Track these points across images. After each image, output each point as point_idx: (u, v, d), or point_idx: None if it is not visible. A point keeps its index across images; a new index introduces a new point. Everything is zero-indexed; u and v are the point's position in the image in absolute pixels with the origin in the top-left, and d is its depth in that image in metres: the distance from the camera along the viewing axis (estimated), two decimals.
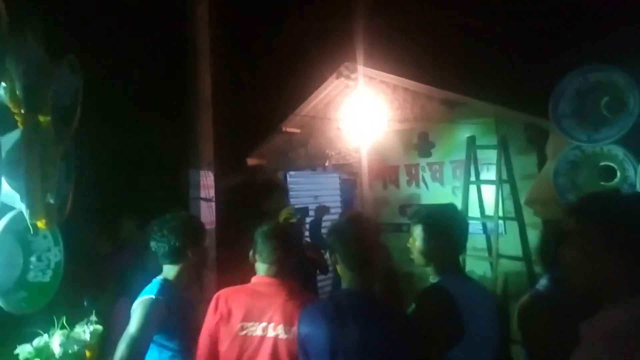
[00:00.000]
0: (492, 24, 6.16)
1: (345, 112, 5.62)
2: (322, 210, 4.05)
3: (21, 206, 2.01)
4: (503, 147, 4.20)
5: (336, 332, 1.60)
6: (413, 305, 1.83)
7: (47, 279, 2.28)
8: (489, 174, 4.69)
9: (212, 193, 4.00)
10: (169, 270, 2.10)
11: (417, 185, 5.65)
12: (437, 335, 1.68)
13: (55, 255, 2.34)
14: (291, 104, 5.68)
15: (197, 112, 3.90)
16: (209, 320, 1.96)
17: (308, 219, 4.05)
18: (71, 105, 2.57)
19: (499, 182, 4.12)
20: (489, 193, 4.31)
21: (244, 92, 5.19)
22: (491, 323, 1.82)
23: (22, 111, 2.04)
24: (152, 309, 1.84)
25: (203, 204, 3.88)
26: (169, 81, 4.03)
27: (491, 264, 4.17)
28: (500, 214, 4.26)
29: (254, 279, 2.03)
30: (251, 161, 5.70)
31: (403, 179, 5.76)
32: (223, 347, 1.90)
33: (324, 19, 5.63)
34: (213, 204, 3.97)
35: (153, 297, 1.89)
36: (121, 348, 1.68)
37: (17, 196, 1.98)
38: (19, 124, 2.04)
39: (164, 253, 2.07)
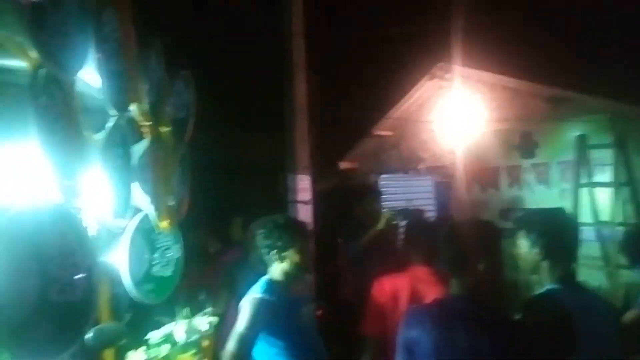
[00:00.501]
0: (603, 8, 5.60)
1: (439, 114, 5.48)
2: (416, 214, 4.00)
3: (149, 208, 2.27)
4: (620, 146, 3.82)
5: (444, 337, 1.59)
6: (520, 315, 1.76)
7: (168, 273, 2.54)
8: (603, 175, 4.29)
9: (308, 196, 4.16)
10: (275, 270, 2.21)
11: (520, 187, 5.35)
12: (546, 346, 1.59)
13: (176, 252, 2.60)
14: (383, 107, 5.69)
15: (293, 118, 4.09)
16: None
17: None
18: (185, 117, 2.85)
19: (617, 185, 3.76)
20: (604, 196, 3.95)
21: (337, 97, 5.30)
22: (609, 338, 1.69)
23: (148, 124, 2.30)
24: (258, 307, 1.95)
25: (300, 206, 4.04)
26: (268, 90, 4.27)
27: (608, 273, 3.81)
28: (620, 219, 3.88)
29: None
30: (344, 165, 5.79)
31: (504, 181, 5.49)
32: None
33: (417, 20, 5.56)
34: (310, 206, 4.12)
35: (259, 296, 2.02)
36: (230, 344, 1.83)
37: (146, 199, 2.24)
38: (145, 135, 2.31)
39: (270, 253, 2.20)
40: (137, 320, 2.16)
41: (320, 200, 4.33)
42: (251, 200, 3.91)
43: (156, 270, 2.51)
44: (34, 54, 1.33)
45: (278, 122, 3.98)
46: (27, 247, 1.44)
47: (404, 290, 2.41)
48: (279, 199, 4.11)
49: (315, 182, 4.27)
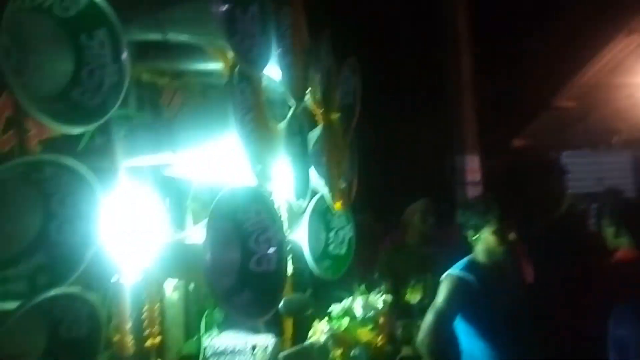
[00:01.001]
0: None
1: (638, 76, 4.59)
2: (613, 194, 3.48)
3: (324, 190, 2.43)
4: None
5: None
6: None
7: (343, 251, 2.70)
8: None
9: (478, 177, 3.95)
10: (476, 250, 2.18)
11: None
12: None
13: (348, 232, 2.74)
14: (564, 74, 4.99)
15: (459, 95, 3.91)
16: None
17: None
18: (352, 103, 2.95)
19: None
20: None
21: (506, 69, 4.85)
22: None
23: (321, 111, 2.46)
24: (455, 285, 1.98)
25: (470, 188, 3.87)
26: (430, 68, 4.15)
27: None
28: None
29: None
30: (518, 142, 5.31)
31: None
32: None
33: None
34: (480, 187, 3.92)
35: (456, 273, 2.04)
36: (428, 317, 1.89)
37: (321, 182, 2.40)
38: (318, 122, 2.46)
39: (468, 233, 2.19)
40: (319, 294, 2.35)
41: (490, 181, 4.08)
42: (418, 183, 3.89)
43: (332, 249, 2.69)
44: (230, 54, 1.52)
45: (443, 99, 3.85)
46: (231, 223, 1.68)
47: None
48: (445, 181, 3.99)
49: (485, 162, 4.03)
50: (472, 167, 3.95)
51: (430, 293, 2.73)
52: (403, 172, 3.90)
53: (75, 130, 1.39)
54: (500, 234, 2.04)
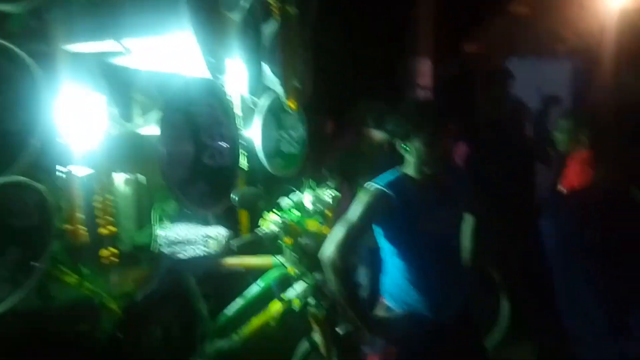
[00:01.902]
0: None
1: None
2: (552, 101, 3.65)
3: (278, 88, 2.40)
4: None
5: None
6: None
7: (295, 150, 2.76)
8: None
9: (428, 81, 4.01)
10: (405, 162, 1.79)
11: None
12: None
13: (301, 131, 2.78)
14: None
15: None
16: None
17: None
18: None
19: None
20: None
21: None
22: None
23: (279, 5, 2.33)
24: (372, 198, 1.69)
25: (420, 92, 3.94)
26: None
27: None
28: None
29: None
30: (468, 47, 5.33)
31: None
32: None
33: None
34: (429, 92, 4.00)
35: (376, 186, 1.71)
36: (338, 232, 1.65)
37: (275, 79, 2.37)
38: (275, 17, 2.35)
39: (395, 141, 1.80)
40: (271, 189, 2.43)
41: (439, 86, 4.15)
42: (370, 85, 3.89)
43: (284, 147, 2.74)
44: None
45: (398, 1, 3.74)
46: (185, 116, 1.66)
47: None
48: (397, 84, 4.03)
49: (436, 66, 4.07)
50: (424, 70, 3.98)
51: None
52: (355, 74, 3.87)
53: (4, 6, 1.27)
54: (432, 144, 1.69)
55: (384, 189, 1.69)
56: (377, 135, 2.96)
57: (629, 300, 1.75)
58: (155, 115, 1.68)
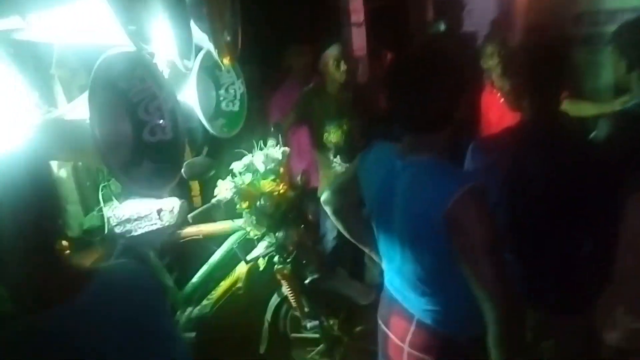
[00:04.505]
0: None
1: None
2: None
3: (209, 45, 2.26)
4: None
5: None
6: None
7: (236, 108, 2.66)
8: None
9: (361, 17, 3.91)
10: None
11: None
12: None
13: (239, 87, 2.67)
14: None
15: None
16: None
17: None
18: None
19: None
20: None
21: None
22: None
23: None
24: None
25: (354, 29, 3.85)
26: None
27: None
28: None
29: None
30: None
31: None
32: None
33: None
34: (363, 28, 3.92)
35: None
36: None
37: (204, 36, 2.22)
38: None
39: None
40: (219, 153, 2.37)
41: (373, 21, 4.08)
42: (301, 25, 3.75)
43: (225, 106, 2.63)
44: None
45: None
46: (115, 94, 1.54)
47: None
48: (330, 22, 3.90)
49: (367, 1, 3.96)
50: (356, 7, 3.87)
51: (348, 136, 2.89)
52: (286, 16, 3.71)
53: None
54: None
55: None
56: (339, 77, 2.90)
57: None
58: (81, 96, 1.55)
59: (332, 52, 2.95)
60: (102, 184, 2.22)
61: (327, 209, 1.63)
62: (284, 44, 3.47)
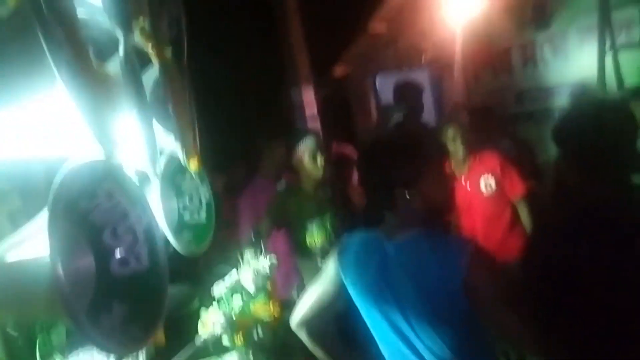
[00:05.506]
0: None
1: None
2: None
3: (175, 146, 1.93)
4: None
5: None
6: None
7: (202, 219, 2.27)
8: (627, 38, 3.93)
9: (314, 110, 3.83)
10: None
11: (535, 65, 4.89)
12: None
13: (204, 194, 2.31)
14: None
15: (286, 23, 3.61)
16: None
17: None
18: (178, 34, 2.39)
19: None
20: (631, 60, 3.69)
21: None
22: None
23: (152, 46, 1.88)
24: None
25: (310, 121, 3.74)
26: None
27: None
28: None
29: None
30: (338, 70, 5.34)
31: (516, 61, 5.03)
32: None
33: None
34: (318, 119, 3.82)
35: None
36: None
37: (169, 137, 1.90)
38: (152, 61, 1.90)
39: None
40: (198, 275, 1.93)
41: (325, 113, 4.01)
42: (259, 123, 3.57)
43: (189, 218, 2.23)
44: None
45: (273, 29, 3.51)
46: (74, 216, 1.13)
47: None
48: (286, 118, 3.77)
49: (317, 94, 3.91)
50: (309, 99, 3.79)
51: (332, 234, 2.54)
52: (241, 113, 3.52)
53: None
54: None
55: None
56: (316, 171, 2.64)
57: None
58: (25, 227, 1.13)
59: (307, 145, 2.69)
60: (40, 337, 1.68)
61: (303, 334, 1.49)
62: (245, 142, 3.23)
